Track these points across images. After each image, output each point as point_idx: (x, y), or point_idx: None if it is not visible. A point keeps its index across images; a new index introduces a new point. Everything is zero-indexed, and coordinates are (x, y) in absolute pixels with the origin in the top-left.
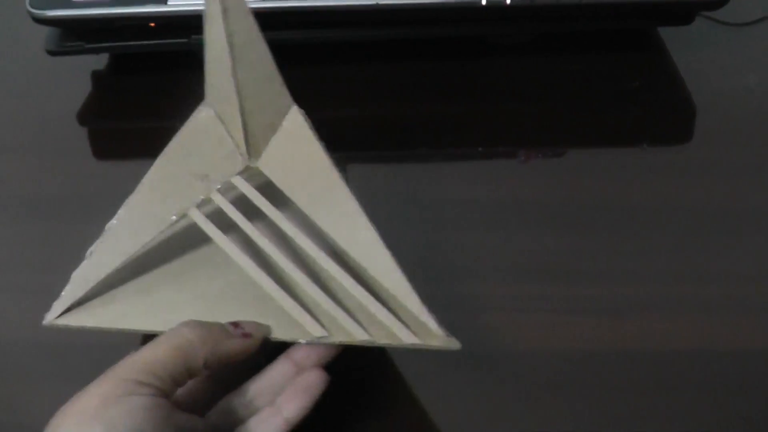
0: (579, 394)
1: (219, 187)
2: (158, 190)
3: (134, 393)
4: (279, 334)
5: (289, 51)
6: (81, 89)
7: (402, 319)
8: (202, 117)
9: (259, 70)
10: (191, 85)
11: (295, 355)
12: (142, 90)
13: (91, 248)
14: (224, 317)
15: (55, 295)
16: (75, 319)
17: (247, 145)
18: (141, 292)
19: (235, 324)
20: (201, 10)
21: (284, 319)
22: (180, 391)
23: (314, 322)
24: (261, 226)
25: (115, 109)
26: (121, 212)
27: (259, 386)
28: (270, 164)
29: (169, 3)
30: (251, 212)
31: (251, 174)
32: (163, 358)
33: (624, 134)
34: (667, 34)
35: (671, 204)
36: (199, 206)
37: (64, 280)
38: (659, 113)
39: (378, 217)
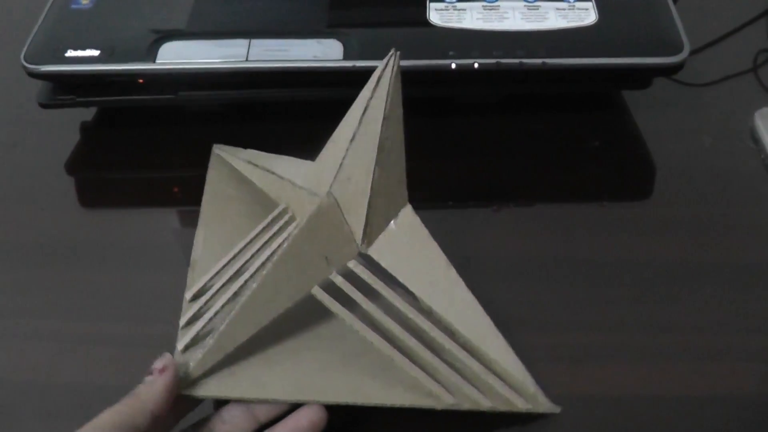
0: None
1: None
2: (288, 270)
3: None
4: (411, 401)
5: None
6: (69, 140)
7: (513, 388)
8: (325, 204)
9: (394, 171)
10: (175, 138)
11: (292, 423)
12: (129, 142)
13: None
14: (348, 386)
15: (45, 338)
16: (212, 390)
17: (363, 234)
18: (265, 363)
19: (150, 372)
20: (188, 68)
21: (410, 387)
22: None
23: (445, 392)
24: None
25: (102, 159)
26: (254, 287)
27: None
28: (382, 252)
29: (157, 61)
30: (364, 292)
31: (363, 259)
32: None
33: (586, 191)
34: (630, 94)
35: (630, 257)
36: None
37: (50, 325)
38: (620, 171)
39: None
